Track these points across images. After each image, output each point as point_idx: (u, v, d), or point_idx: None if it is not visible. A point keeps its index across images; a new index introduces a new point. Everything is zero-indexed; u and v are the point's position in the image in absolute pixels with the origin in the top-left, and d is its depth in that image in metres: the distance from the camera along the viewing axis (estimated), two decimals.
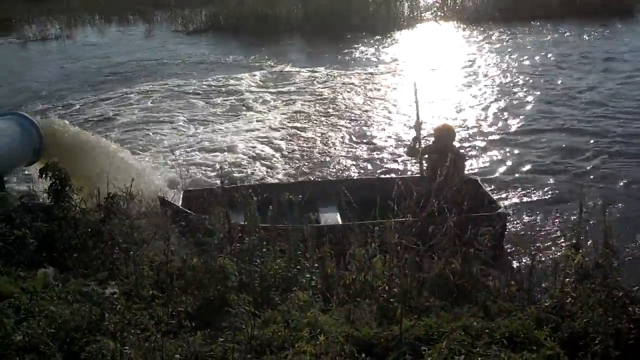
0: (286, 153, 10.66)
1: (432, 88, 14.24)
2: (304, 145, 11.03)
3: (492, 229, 4.88)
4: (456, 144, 7.84)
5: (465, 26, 22.61)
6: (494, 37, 20.38)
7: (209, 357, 3.02)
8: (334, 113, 12.93)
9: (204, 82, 15.96)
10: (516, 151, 10.34)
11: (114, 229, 4.81)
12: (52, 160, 5.44)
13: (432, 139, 7.45)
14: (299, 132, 11.78)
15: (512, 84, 14.62)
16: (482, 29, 21.68)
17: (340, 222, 6.61)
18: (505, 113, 12.43)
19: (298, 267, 4.48)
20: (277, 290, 4.18)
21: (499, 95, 13.74)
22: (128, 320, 3.33)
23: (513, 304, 4.02)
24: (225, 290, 3.93)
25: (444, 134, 7.13)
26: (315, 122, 12.39)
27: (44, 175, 5.39)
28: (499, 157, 10.13)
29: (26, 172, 8.40)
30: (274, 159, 10.46)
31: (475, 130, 11.52)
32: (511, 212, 7.63)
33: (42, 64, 19.62)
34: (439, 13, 24.91)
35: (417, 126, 7.36)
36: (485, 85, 14.62)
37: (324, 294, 4.17)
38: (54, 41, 23.94)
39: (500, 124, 11.82)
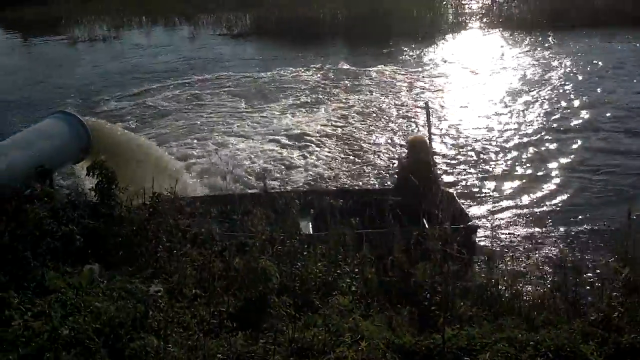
0: (322, 157, 10.69)
1: (474, 96, 14.12)
2: (344, 148, 11.04)
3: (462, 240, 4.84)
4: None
5: (511, 33, 22.24)
6: (539, 45, 20.00)
7: (250, 357, 3.03)
8: (374, 118, 12.89)
9: (248, 83, 16.14)
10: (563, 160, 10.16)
11: (159, 228, 4.88)
12: (100, 158, 5.56)
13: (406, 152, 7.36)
14: (337, 135, 11.80)
15: (557, 93, 14.30)
16: (527, 37, 21.29)
17: (312, 232, 6.53)
18: (551, 122, 12.20)
19: (338, 271, 4.48)
20: (317, 294, 4.18)
21: (542, 104, 13.49)
22: (171, 318, 3.37)
23: (558, 316, 3.94)
24: (267, 292, 3.94)
25: (418, 147, 7.04)
26: (353, 125, 12.37)
27: (91, 174, 5.51)
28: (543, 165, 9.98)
29: (73, 170, 8.58)
30: (313, 162, 10.50)
31: (512, 138, 11.36)
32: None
33: (89, 63, 20.08)
34: (484, 20, 24.58)
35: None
36: (528, 93, 14.34)
37: (364, 299, 4.16)
38: (101, 42, 24.46)
39: (543, 134, 11.62)
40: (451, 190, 7.64)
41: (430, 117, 7.36)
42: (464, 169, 9.99)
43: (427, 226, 5.28)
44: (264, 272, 4.07)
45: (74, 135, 7.01)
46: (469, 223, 6.45)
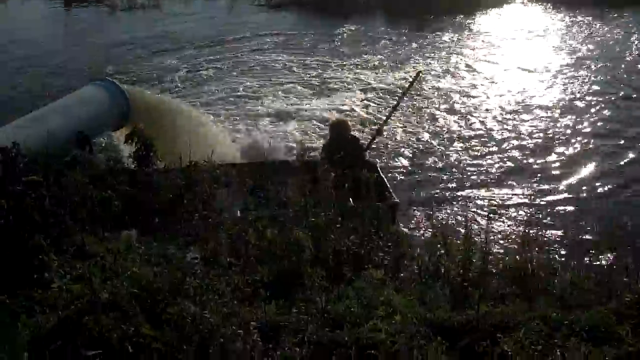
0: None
1: (514, 74, 13.87)
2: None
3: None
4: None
5: (554, 8, 21.58)
6: (585, 22, 19.35)
7: (283, 326, 3.07)
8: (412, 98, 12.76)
9: (286, 55, 16.10)
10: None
11: (195, 197, 4.95)
12: (139, 126, 5.64)
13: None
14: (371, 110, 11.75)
15: (599, 73, 13.87)
16: (572, 13, 20.59)
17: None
18: (592, 106, 11.89)
19: (371, 244, 4.49)
20: (349, 267, 4.21)
21: (584, 85, 13.12)
22: (206, 285, 3.42)
23: (591, 297, 3.89)
24: (300, 262, 3.97)
25: (336, 128, 7.29)
26: (382, 104, 12.29)
27: (130, 141, 5.60)
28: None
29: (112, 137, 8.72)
30: None
31: (550, 122, 11.14)
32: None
33: (128, 31, 20.22)
34: None
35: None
36: (569, 73, 13.96)
37: (395, 273, 4.17)
38: (140, 10, 24.59)
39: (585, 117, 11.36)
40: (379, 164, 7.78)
41: (414, 84, 7.42)
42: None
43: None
44: (298, 243, 4.10)
45: (113, 102, 7.12)
46: (393, 200, 6.50)
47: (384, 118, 8.00)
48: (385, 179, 6.90)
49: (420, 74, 7.82)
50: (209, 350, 2.58)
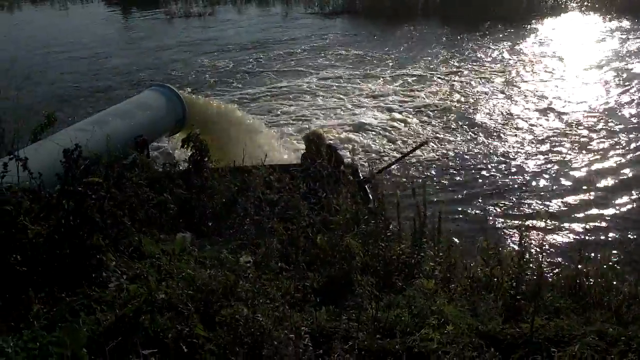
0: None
1: (570, 83, 13.56)
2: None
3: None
4: None
5: (613, 18, 21.00)
6: None
7: (333, 332, 3.08)
8: (464, 105, 12.65)
9: (338, 62, 16.21)
10: None
11: (247, 202, 5.01)
12: (194, 131, 5.75)
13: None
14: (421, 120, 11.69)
15: None
16: (632, 22, 20.02)
17: None
18: None
19: (422, 254, 4.46)
20: (399, 276, 4.19)
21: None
22: (257, 289, 3.46)
23: None
24: (350, 270, 3.98)
25: (314, 141, 7.31)
26: (438, 112, 12.20)
27: (185, 146, 5.72)
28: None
29: (168, 141, 8.92)
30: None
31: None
32: None
33: (186, 37, 20.78)
34: (585, 3, 23.33)
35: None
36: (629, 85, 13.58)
37: (447, 283, 4.13)
38: (196, 18, 25.14)
39: None
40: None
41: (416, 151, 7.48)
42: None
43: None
44: (348, 250, 4.11)
45: (171, 107, 7.30)
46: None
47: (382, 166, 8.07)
48: (363, 181, 7.04)
49: (426, 144, 7.88)
50: (262, 353, 2.61)
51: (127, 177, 4.79)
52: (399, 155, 8.75)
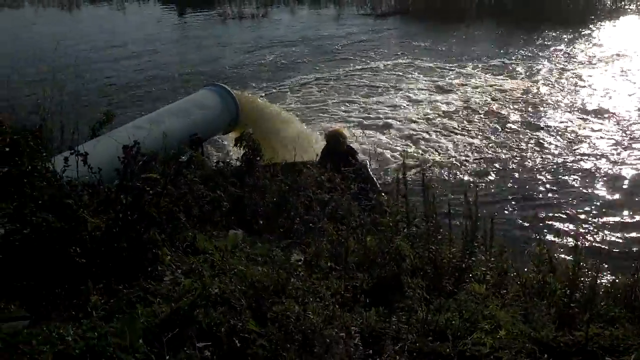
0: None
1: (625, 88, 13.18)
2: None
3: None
4: None
5: None
6: None
7: (383, 333, 3.08)
8: (522, 109, 12.44)
9: (389, 63, 16.18)
10: None
11: (297, 201, 5.06)
12: (247, 130, 5.84)
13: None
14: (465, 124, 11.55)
15: None
16: None
17: None
18: None
19: (473, 258, 4.42)
20: (449, 279, 4.16)
21: None
22: (307, 288, 3.50)
23: None
24: (400, 271, 3.97)
25: (331, 140, 7.48)
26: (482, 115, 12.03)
27: (238, 145, 5.81)
28: None
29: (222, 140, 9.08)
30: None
31: None
32: None
33: (239, 39, 21.03)
34: None
35: None
36: None
37: (499, 289, 4.08)
38: (249, 19, 25.44)
39: None
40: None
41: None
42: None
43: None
44: (398, 252, 4.10)
45: (225, 107, 7.42)
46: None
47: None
48: (372, 176, 7.15)
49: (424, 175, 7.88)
50: (313, 350, 2.64)
51: (183, 174, 4.90)
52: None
